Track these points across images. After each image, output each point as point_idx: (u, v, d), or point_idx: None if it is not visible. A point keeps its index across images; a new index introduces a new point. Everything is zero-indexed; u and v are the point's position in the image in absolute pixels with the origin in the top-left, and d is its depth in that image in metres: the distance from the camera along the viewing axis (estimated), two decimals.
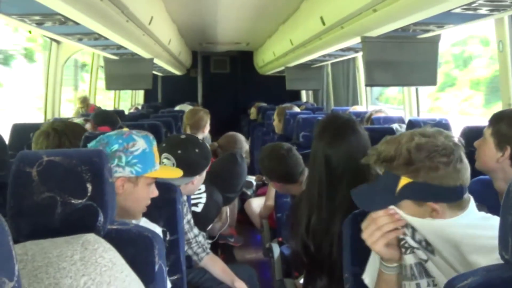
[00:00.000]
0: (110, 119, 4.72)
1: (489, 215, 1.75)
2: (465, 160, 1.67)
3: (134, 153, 2.06)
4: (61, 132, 2.85)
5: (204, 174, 3.19)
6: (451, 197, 1.67)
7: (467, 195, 1.71)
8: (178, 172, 2.39)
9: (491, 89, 6.10)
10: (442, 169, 1.64)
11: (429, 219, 1.69)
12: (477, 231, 1.67)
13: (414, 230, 1.75)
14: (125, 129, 2.23)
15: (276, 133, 6.03)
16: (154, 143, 2.18)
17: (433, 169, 1.64)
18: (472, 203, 1.72)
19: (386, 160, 1.73)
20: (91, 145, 2.12)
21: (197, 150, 3.08)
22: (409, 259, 1.77)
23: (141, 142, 2.10)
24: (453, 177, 1.64)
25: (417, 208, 1.71)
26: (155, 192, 2.20)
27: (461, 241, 1.67)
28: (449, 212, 1.68)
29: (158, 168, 2.16)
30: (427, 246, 1.74)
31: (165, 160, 3.00)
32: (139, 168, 2.07)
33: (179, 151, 3.03)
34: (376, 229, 1.76)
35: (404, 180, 1.69)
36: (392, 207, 1.76)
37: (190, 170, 2.99)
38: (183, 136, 3.26)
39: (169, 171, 2.33)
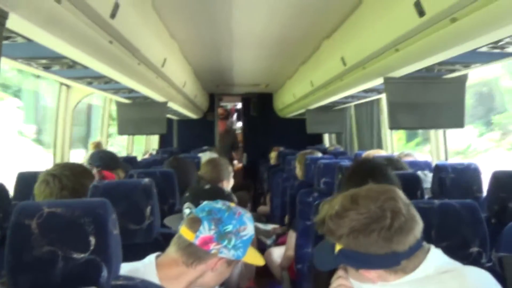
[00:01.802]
0: (110, 161, 4.73)
1: (453, 267, 1.76)
2: (406, 226, 1.69)
3: (243, 238, 2.14)
4: (60, 175, 2.85)
5: None
6: (383, 265, 1.70)
7: (421, 253, 1.75)
8: (262, 260, 2.37)
9: None
10: (365, 238, 1.66)
11: (370, 284, 1.73)
12: None
13: None
14: (232, 204, 2.28)
15: (297, 179, 6.00)
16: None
17: (354, 237, 1.67)
18: (427, 261, 1.75)
19: (320, 225, 1.82)
20: (199, 214, 2.17)
21: None
22: None
23: (250, 227, 2.18)
24: (381, 245, 1.67)
25: (356, 273, 1.80)
26: None
27: None
28: (391, 277, 1.72)
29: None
30: None
31: (187, 210, 3.00)
32: (240, 253, 2.14)
33: (201, 202, 3.03)
34: (337, 279, 1.90)
35: (337, 246, 1.76)
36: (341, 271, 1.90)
37: None
38: (207, 186, 3.30)
39: (257, 257, 2.32)
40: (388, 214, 1.67)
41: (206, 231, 2.08)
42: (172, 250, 2.13)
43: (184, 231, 2.12)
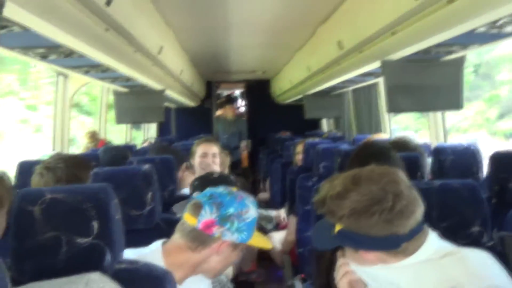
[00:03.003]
0: (119, 157, 4.70)
1: (454, 250, 1.76)
2: (407, 208, 1.68)
3: (246, 221, 2.14)
4: (54, 167, 2.85)
5: None
6: (383, 247, 1.70)
7: (421, 236, 1.74)
8: (269, 244, 2.36)
9: None
10: (366, 219, 1.65)
11: (369, 266, 1.73)
12: (420, 274, 1.70)
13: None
14: (235, 189, 2.28)
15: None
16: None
17: (355, 219, 1.67)
18: (429, 242, 1.74)
19: (320, 205, 1.81)
20: (200, 199, 2.18)
21: None
22: None
23: (253, 210, 2.18)
24: (382, 227, 1.66)
25: (354, 255, 1.79)
26: None
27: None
28: (391, 259, 1.72)
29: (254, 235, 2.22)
30: None
31: None
32: (244, 236, 2.14)
33: None
34: (341, 266, 1.89)
35: (337, 226, 1.75)
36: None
37: None
38: (215, 175, 3.34)
39: (264, 241, 2.32)
40: (390, 196, 1.66)
41: (207, 215, 2.09)
42: (177, 236, 2.14)
43: (187, 217, 2.13)
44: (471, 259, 1.69)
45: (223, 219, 2.08)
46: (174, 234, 2.16)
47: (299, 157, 5.85)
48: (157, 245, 2.15)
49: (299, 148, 5.94)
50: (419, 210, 1.71)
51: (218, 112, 11.79)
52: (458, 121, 7.37)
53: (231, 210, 2.11)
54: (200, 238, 2.09)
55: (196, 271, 2.15)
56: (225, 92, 14.74)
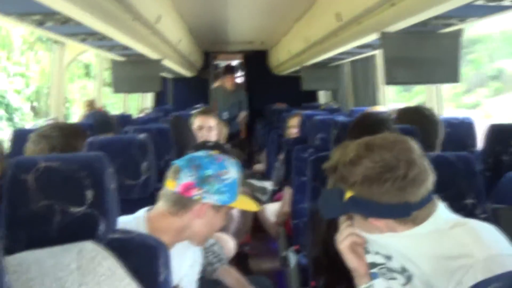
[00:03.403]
0: (110, 126, 4.70)
1: (463, 221, 1.77)
2: (419, 177, 1.68)
3: (225, 182, 2.13)
4: (49, 135, 2.83)
5: None
6: (394, 214, 1.70)
7: (431, 206, 1.74)
8: (255, 206, 2.38)
9: None
10: (378, 187, 1.65)
11: (377, 233, 1.74)
12: (430, 243, 1.72)
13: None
14: (215, 152, 2.27)
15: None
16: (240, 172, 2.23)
17: (367, 186, 1.67)
18: (438, 212, 1.75)
19: (331, 171, 1.80)
20: (178, 163, 2.17)
21: None
22: (378, 284, 1.81)
23: (233, 171, 2.17)
24: (394, 195, 1.66)
25: (363, 222, 1.79)
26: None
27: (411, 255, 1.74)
28: (401, 227, 1.72)
29: (239, 197, 2.21)
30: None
31: None
32: (226, 198, 2.14)
33: None
34: (344, 228, 1.88)
35: (347, 193, 1.74)
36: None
37: None
38: (210, 144, 3.34)
39: (248, 203, 2.33)
40: (403, 164, 1.66)
41: (186, 177, 2.08)
42: (159, 203, 2.15)
43: (167, 182, 2.14)
44: (480, 229, 1.70)
45: (201, 181, 2.08)
46: (158, 202, 2.17)
47: (291, 131, 5.84)
48: (141, 212, 2.17)
49: (292, 122, 5.91)
50: (430, 179, 1.71)
51: (216, 83, 11.73)
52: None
53: (209, 172, 2.10)
54: (180, 202, 2.09)
55: (180, 237, 2.15)
56: (223, 63, 14.68)
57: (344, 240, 1.88)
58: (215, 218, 2.17)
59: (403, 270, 1.78)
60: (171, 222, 2.11)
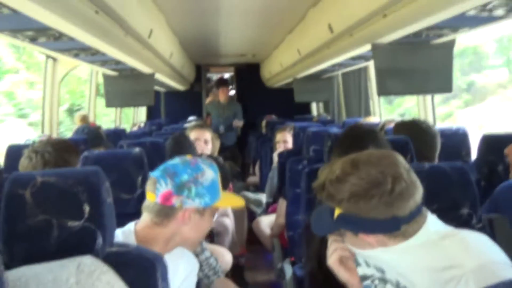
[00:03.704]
0: (101, 141, 4.73)
1: (453, 232, 1.77)
2: (407, 191, 1.68)
3: (204, 184, 2.13)
4: (42, 151, 2.85)
5: None
6: (383, 229, 1.71)
7: (420, 219, 1.74)
8: (241, 201, 2.38)
9: None
10: (365, 203, 1.66)
11: (369, 249, 1.75)
12: (421, 255, 1.72)
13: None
14: (189, 156, 2.27)
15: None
16: (218, 172, 2.23)
17: (354, 202, 1.68)
18: (428, 224, 1.75)
19: (320, 189, 1.81)
20: (154, 174, 2.16)
21: None
22: None
23: (210, 172, 2.16)
24: (382, 210, 1.67)
25: (354, 239, 1.79)
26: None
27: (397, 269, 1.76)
28: (391, 241, 1.73)
29: (221, 197, 2.21)
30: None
31: None
32: (208, 199, 2.13)
33: None
34: (332, 243, 1.90)
35: (336, 211, 1.75)
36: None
37: None
38: (203, 157, 3.31)
39: (233, 199, 2.35)
40: (389, 179, 1.66)
41: (163, 187, 2.08)
42: (144, 215, 2.16)
43: (147, 195, 2.14)
44: (470, 239, 1.71)
45: (179, 188, 2.08)
46: (142, 214, 2.17)
47: (278, 146, 5.81)
48: (128, 226, 2.17)
49: (278, 137, 5.90)
50: (418, 193, 1.72)
51: (209, 98, 11.74)
52: (411, 107, 8.23)
53: (185, 177, 2.10)
54: (163, 212, 2.09)
55: (171, 245, 2.16)
56: (215, 76, 14.70)
57: (332, 255, 1.89)
58: (201, 221, 2.17)
59: (397, 284, 1.79)
60: (158, 232, 2.11)
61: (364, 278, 1.85)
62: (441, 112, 8.01)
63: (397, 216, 1.67)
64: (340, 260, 1.87)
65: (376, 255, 1.79)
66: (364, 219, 1.69)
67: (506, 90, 8.42)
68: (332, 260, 1.88)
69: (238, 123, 10.13)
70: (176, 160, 2.20)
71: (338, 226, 1.78)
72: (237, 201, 2.34)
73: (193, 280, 2.46)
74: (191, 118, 9.76)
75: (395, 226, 1.69)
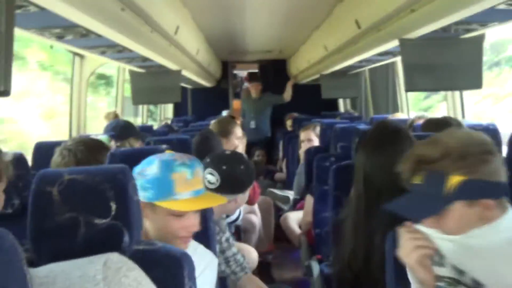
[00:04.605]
0: (122, 130, 4.70)
1: None
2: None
3: (146, 178, 2.09)
4: (75, 150, 2.86)
5: (247, 193, 3.19)
6: (500, 193, 1.66)
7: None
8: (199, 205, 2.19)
9: None
10: (493, 163, 1.63)
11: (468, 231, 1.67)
12: None
13: (441, 257, 1.76)
14: (168, 151, 2.27)
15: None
16: (180, 171, 2.10)
17: (486, 163, 1.63)
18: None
19: (429, 162, 1.71)
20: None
21: (242, 167, 3.09)
22: None
23: (156, 167, 2.09)
24: (500, 171, 1.64)
25: (467, 211, 1.67)
26: (190, 225, 2.12)
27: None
28: (497, 212, 1.66)
29: (181, 198, 2.08)
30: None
31: (208, 176, 3.00)
32: (150, 194, 2.07)
33: (224, 167, 3.04)
34: (409, 240, 1.76)
35: (455, 179, 1.66)
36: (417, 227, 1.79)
37: (234, 187, 3.01)
38: (228, 152, 3.30)
39: (193, 204, 2.12)
40: (490, 143, 1.70)
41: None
42: None
43: None
44: None
45: (136, 178, 1.99)
46: None
47: (303, 145, 5.73)
48: None
49: (303, 135, 5.84)
50: None
51: (242, 95, 11.79)
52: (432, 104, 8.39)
53: (138, 168, 2.10)
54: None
55: (152, 236, 2.09)
56: (241, 73, 14.71)
57: (412, 253, 1.75)
58: (156, 217, 2.09)
59: (476, 285, 1.69)
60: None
61: (438, 278, 1.74)
62: (423, 106, 8.29)
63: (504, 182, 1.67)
64: (421, 260, 1.73)
65: (466, 241, 1.69)
66: (489, 183, 1.64)
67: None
68: (413, 259, 1.74)
69: (286, 95, 10.29)
70: (157, 155, 2.17)
71: (454, 198, 1.67)
72: (193, 205, 2.12)
73: (210, 275, 2.32)
74: (224, 113, 9.81)
75: (506, 190, 1.67)
